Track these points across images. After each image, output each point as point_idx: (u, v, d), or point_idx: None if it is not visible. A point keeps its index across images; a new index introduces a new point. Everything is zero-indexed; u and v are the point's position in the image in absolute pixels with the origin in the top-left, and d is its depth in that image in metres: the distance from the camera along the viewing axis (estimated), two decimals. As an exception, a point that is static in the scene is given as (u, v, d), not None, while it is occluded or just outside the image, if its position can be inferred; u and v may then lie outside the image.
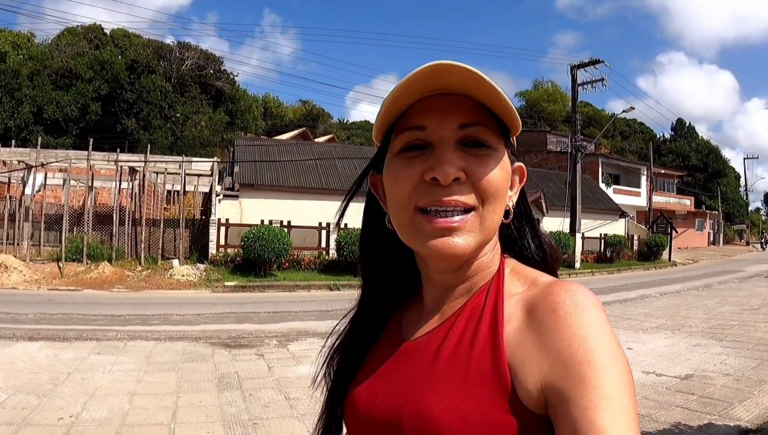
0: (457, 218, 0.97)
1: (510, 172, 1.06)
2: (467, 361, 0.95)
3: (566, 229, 33.29)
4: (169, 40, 61.54)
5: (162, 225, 25.38)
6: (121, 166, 26.16)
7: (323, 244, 26.87)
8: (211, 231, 25.43)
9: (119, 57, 53.28)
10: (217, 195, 27.12)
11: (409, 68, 0.94)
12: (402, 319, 1.18)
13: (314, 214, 27.06)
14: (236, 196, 27.99)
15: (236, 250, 24.45)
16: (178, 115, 52.58)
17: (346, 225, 19.12)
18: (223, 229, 25.65)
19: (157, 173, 27.37)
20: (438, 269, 1.07)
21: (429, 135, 0.99)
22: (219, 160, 32.68)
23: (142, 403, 7.51)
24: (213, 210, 26.43)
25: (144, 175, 26.35)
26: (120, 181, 26.13)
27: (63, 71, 50.16)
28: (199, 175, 29.26)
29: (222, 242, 25.48)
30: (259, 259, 22.97)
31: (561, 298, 0.92)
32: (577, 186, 33.87)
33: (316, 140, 49.69)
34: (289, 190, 28.90)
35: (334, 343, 1.28)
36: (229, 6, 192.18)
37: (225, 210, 27.04)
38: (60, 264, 22.97)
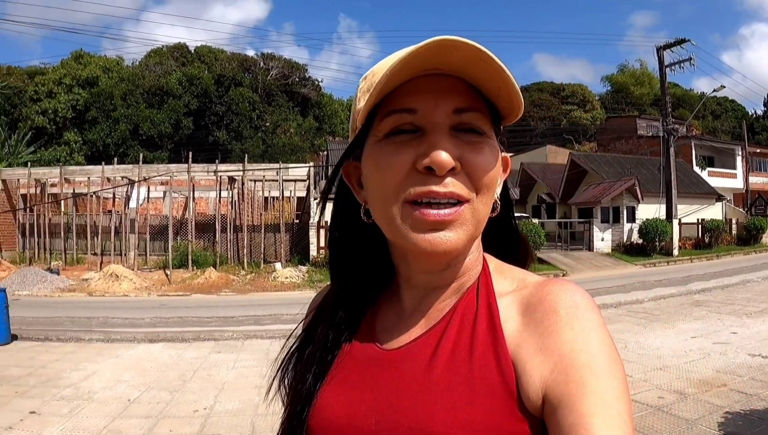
0: (449, 211, 0.89)
1: (500, 161, 0.98)
2: (468, 368, 0.90)
3: (662, 215, 32.46)
4: (251, 53, 62.81)
5: (263, 230, 26.03)
6: (220, 176, 26.92)
7: (416, 241, 26.87)
8: (311, 234, 25.96)
9: (206, 72, 54.57)
10: (315, 199, 27.47)
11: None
12: (375, 323, 1.08)
13: (408, 213, 27.18)
14: (333, 199, 28.07)
15: (336, 251, 24.66)
16: (268, 124, 53.64)
17: None
18: (322, 231, 25.99)
19: (254, 181, 27.97)
20: (423, 269, 0.99)
21: (420, 119, 0.91)
22: (314, 164, 33.12)
23: (271, 395, 7.81)
24: (311, 213, 26.89)
25: (243, 183, 27.13)
26: (220, 190, 26.97)
27: (154, 90, 51.82)
28: (295, 181, 29.84)
29: (322, 244, 25.89)
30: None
31: (561, 298, 0.90)
32: (671, 171, 32.78)
33: (402, 141, 49.82)
34: (381, 192, 28.86)
35: (292, 348, 1.15)
36: (305, 15, 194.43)
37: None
38: (167, 271, 23.88)
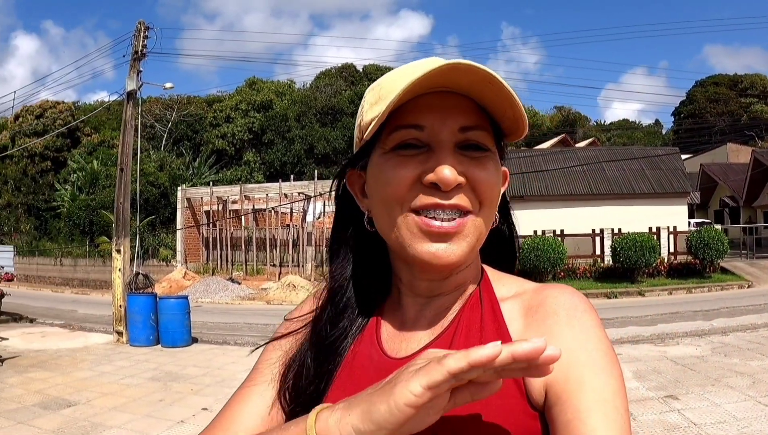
0: (453, 223, 0.91)
1: (501, 176, 1.01)
2: None
3: None
4: (418, 68, 63.69)
5: (435, 241, 25.92)
6: (393, 188, 27.21)
7: (597, 251, 25.94)
8: (485, 244, 25.37)
9: (376, 90, 55.68)
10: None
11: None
12: (379, 331, 1.06)
13: (585, 221, 26.26)
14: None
15: (512, 261, 24.16)
16: (440, 137, 54.23)
17: (620, 230, 17.97)
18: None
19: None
20: (426, 277, 1.00)
21: (427, 135, 0.92)
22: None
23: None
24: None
25: (416, 195, 27.12)
26: (392, 202, 27.16)
27: (326, 109, 53.35)
28: (469, 191, 29.49)
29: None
30: (534, 269, 22.58)
31: (561, 300, 0.93)
32: None
33: (577, 145, 48.34)
34: (558, 198, 28.31)
35: (291, 357, 1.08)
36: (467, 27, 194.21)
37: (497, 223, 26.75)
38: (343, 283, 24.31)
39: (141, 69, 15.17)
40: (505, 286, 1.02)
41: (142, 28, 15.38)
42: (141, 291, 14.66)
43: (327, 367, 1.03)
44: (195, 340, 13.48)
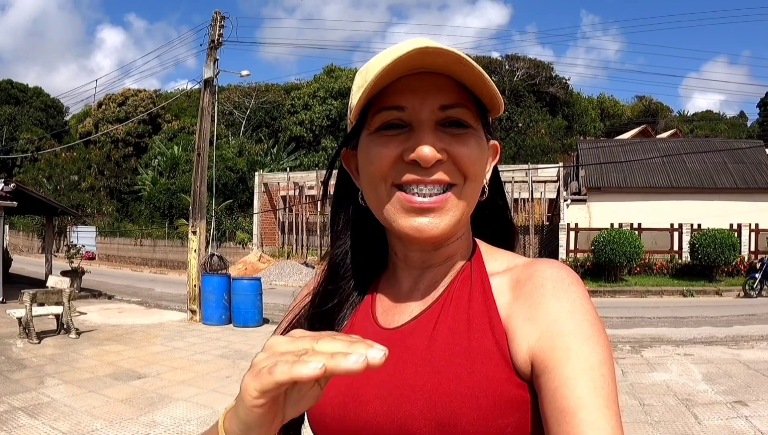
0: (435, 199, 0.95)
1: (487, 151, 1.03)
2: (467, 339, 0.93)
3: None
4: (496, 55, 62.77)
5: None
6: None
7: (675, 247, 25.20)
8: (560, 236, 25.32)
9: (456, 77, 55.54)
10: (565, 200, 26.98)
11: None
12: (375, 305, 1.10)
13: (664, 215, 25.59)
14: (584, 200, 27.47)
15: (586, 254, 24.00)
16: (521, 125, 53.27)
17: (699, 225, 17.27)
18: (572, 233, 25.39)
19: (504, 182, 27.83)
20: (417, 249, 1.03)
21: (409, 115, 0.95)
22: (564, 165, 32.28)
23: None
24: (561, 215, 26.40)
25: (492, 184, 27.07)
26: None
27: (405, 97, 53.59)
28: (545, 182, 29.32)
29: (571, 247, 25.19)
30: (609, 263, 22.26)
31: (548, 273, 0.94)
32: None
33: (658, 136, 47.08)
34: (636, 190, 27.54)
35: (291, 323, 1.16)
36: (545, 15, 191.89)
37: (573, 214, 26.71)
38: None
39: (217, 57, 15.80)
40: (497, 260, 1.05)
41: (218, 18, 16.01)
42: (216, 272, 15.00)
43: None
44: (266, 321, 13.88)
